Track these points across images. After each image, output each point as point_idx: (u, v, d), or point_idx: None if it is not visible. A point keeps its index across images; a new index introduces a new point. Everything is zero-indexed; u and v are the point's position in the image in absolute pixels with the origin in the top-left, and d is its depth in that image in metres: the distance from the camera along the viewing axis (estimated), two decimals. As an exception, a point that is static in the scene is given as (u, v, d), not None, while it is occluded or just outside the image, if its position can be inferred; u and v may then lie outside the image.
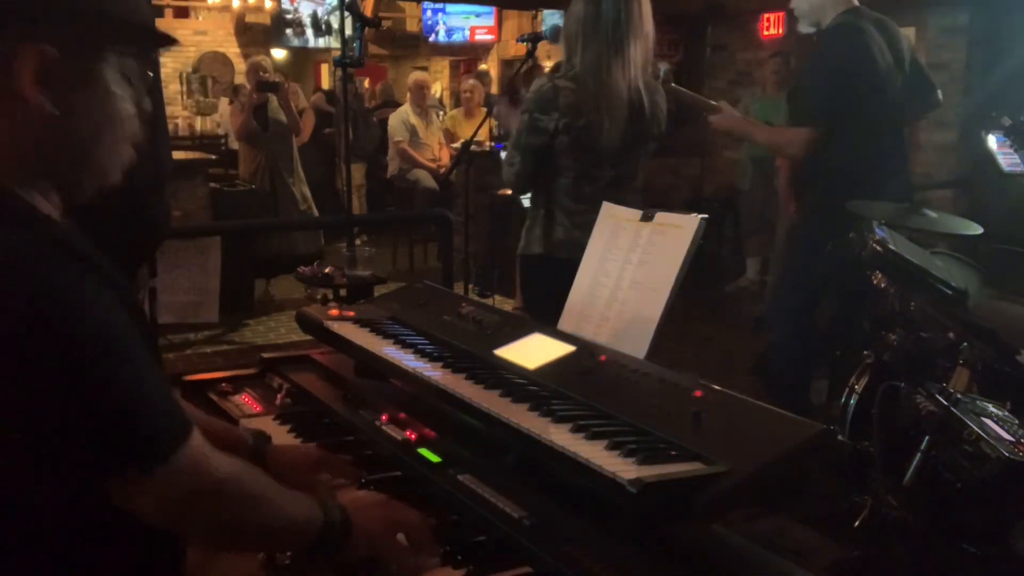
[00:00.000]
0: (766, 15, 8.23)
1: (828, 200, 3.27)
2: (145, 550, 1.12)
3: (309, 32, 13.86)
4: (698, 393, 1.36)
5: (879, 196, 3.03)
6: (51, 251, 1.00)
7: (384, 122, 8.32)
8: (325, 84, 13.97)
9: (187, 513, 1.06)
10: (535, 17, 11.38)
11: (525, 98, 2.81)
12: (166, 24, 12.18)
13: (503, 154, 3.01)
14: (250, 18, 13.88)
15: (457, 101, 10.47)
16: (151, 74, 1.17)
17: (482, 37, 13.77)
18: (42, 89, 1.02)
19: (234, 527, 1.11)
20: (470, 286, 5.15)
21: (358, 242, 8.27)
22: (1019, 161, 4.13)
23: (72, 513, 1.05)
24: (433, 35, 14.35)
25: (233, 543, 1.20)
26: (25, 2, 1.02)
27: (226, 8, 13.26)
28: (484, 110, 8.35)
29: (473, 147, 5.60)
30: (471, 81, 8.68)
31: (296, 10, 13.58)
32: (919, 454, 2.34)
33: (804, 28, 3.45)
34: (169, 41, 1.18)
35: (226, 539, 1.16)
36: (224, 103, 10.67)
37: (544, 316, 1.86)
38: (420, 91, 8.03)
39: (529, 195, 3.03)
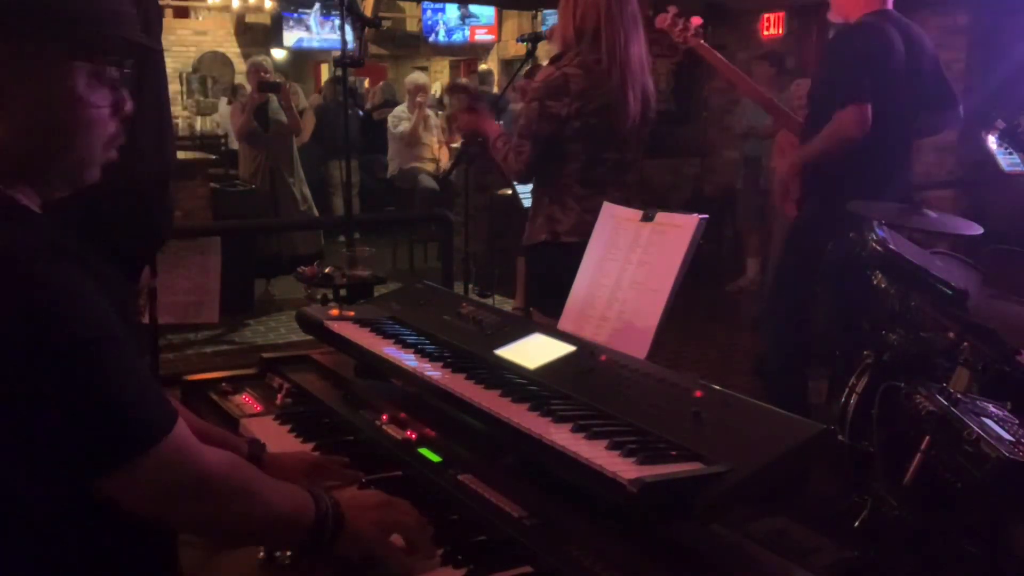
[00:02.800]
0: (766, 15, 8.23)
1: (830, 201, 3.26)
2: (133, 546, 1.12)
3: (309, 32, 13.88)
4: (698, 393, 1.36)
5: (879, 197, 3.02)
6: (38, 244, 1.02)
7: (383, 122, 8.32)
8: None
9: (171, 504, 1.07)
10: (535, 17, 11.37)
11: (531, 88, 2.86)
12: (166, 24, 12.19)
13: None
14: (250, 18, 13.89)
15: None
16: (130, 73, 1.16)
17: (482, 37, 13.76)
18: None
19: (221, 519, 1.12)
20: (470, 286, 5.14)
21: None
22: (1019, 161, 4.12)
23: (56, 508, 1.05)
24: (433, 35, 14.34)
25: (221, 535, 1.21)
26: None
27: (226, 8, 13.26)
28: None
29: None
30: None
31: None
32: (919, 454, 2.34)
33: (833, 17, 3.47)
34: (145, 50, 1.18)
35: (214, 531, 1.17)
36: (224, 103, 10.67)
37: (556, 305, 1.85)
38: (417, 92, 8.03)
39: (531, 190, 3.06)
